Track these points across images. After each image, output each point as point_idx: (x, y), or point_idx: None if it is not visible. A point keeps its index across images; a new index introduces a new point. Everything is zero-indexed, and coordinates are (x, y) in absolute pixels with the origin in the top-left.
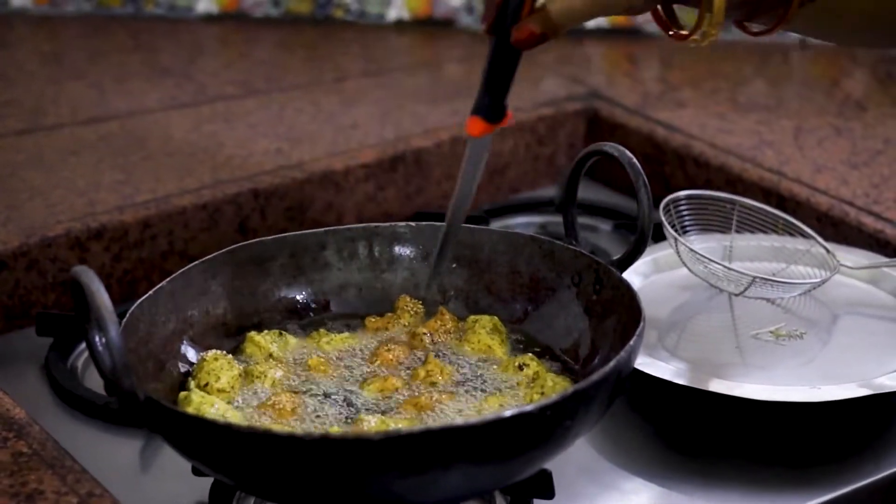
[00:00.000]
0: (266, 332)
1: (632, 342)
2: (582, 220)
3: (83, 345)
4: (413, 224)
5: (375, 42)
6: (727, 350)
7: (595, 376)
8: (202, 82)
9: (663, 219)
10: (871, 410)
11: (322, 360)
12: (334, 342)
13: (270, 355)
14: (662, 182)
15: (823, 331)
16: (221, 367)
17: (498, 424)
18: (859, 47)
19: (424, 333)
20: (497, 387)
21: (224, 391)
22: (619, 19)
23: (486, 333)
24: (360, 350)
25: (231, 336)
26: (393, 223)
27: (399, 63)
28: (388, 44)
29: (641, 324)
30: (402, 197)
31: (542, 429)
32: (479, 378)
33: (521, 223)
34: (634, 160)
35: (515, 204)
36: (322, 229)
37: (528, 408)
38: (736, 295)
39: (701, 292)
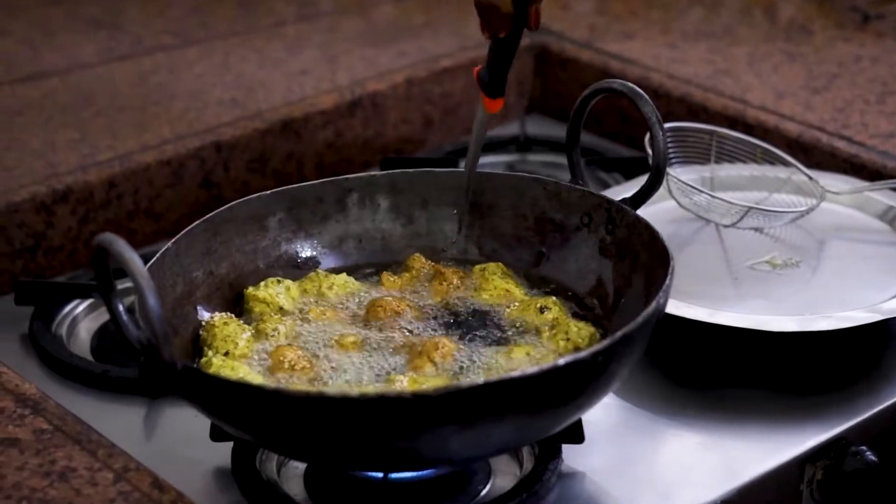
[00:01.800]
0: (264, 284)
1: (667, 281)
2: (548, 157)
3: (64, 312)
4: (411, 171)
5: None
6: (724, 282)
7: (640, 318)
8: (136, 33)
9: (650, 154)
10: (873, 336)
11: (325, 308)
12: (336, 287)
13: (280, 308)
14: (619, 116)
15: (815, 258)
16: (234, 331)
17: (553, 373)
18: None
19: (436, 302)
20: (518, 334)
21: (244, 356)
22: None
23: (498, 278)
24: (363, 295)
25: (236, 295)
26: (390, 171)
27: (333, 6)
28: None
29: (672, 262)
30: (361, 143)
31: (593, 374)
32: (495, 327)
33: (486, 164)
34: (645, 95)
35: None
36: (319, 181)
37: (582, 355)
38: (727, 226)
39: (686, 225)
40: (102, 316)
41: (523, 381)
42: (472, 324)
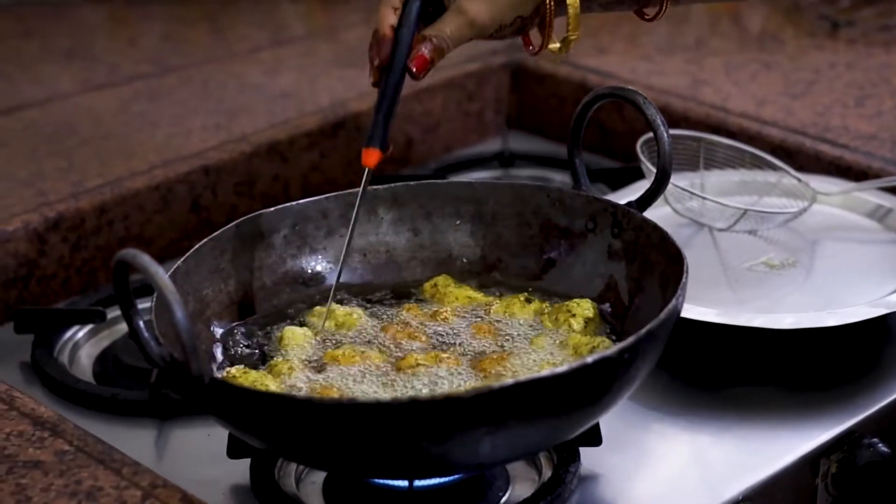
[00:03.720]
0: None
1: (683, 279)
2: (533, 172)
3: (65, 339)
4: (412, 183)
5: (273, 11)
6: (724, 284)
7: (663, 314)
8: (111, 62)
9: (643, 159)
10: (874, 331)
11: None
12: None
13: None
14: (599, 129)
15: (811, 258)
16: (257, 378)
17: (581, 371)
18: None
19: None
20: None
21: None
22: None
23: (454, 287)
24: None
25: (245, 313)
26: (392, 184)
27: (305, 30)
28: (287, 12)
29: (685, 260)
30: (345, 164)
31: (620, 371)
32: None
33: (471, 179)
34: (648, 99)
35: (462, 161)
36: (323, 196)
37: (609, 352)
38: (722, 230)
39: (681, 230)
40: (103, 341)
41: (553, 381)
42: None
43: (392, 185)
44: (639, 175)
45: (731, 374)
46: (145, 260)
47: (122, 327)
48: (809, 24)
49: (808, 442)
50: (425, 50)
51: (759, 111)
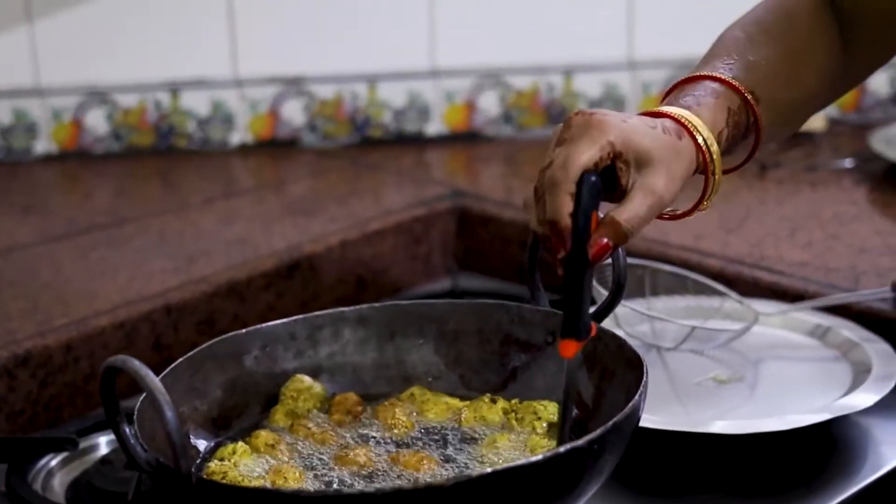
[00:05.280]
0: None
1: (644, 378)
2: None
3: (38, 467)
4: (377, 305)
5: (224, 166)
6: (674, 399)
7: (627, 409)
8: (69, 216)
9: (594, 283)
10: (819, 440)
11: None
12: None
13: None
14: (545, 266)
15: (756, 374)
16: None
17: (555, 460)
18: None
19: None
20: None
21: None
22: (458, 124)
23: (431, 395)
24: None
25: (221, 430)
26: (358, 306)
27: (254, 183)
28: (239, 167)
29: (644, 364)
30: (299, 304)
31: (590, 461)
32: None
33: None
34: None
35: (415, 297)
36: (292, 318)
37: (580, 442)
38: (670, 349)
39: None
40: (76, 469)
41: (529, 469)
42: (437, 440)
43: (358, 307)
44: None
45: (689, 482)
46: (135, 364)
47: (94, 455)
48: None
49: None
50: (607, 236)
51: (697, 244)
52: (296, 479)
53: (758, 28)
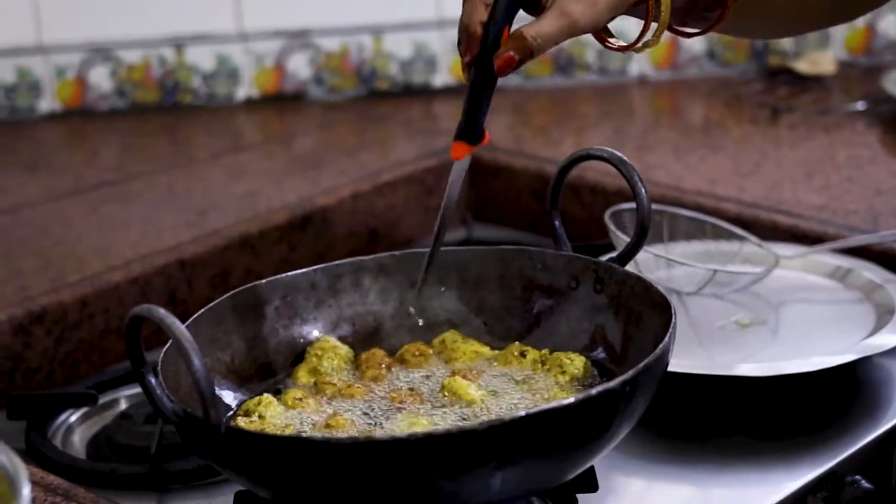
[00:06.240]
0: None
1: (673, 319)
2: None
3: (57, 424)
4: (397, 253)
5: (231, 121)
6: (697, 343)
7: (658, 350)
8: (77, 173)
9: (613, 228)
10: (841, 382)
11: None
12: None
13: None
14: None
15: (778, 317)
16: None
17: (588, 402)
18: (773, 38)
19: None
20: (511, 381)
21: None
22: None
23: (462, 343)
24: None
25: (244, 382)
26: (377, 255)
27: (262, 137)
28: (245, 121)
29: (672, 306)
30: (313, 256)
31: (622, 404)
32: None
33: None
34: (624, 157)
35: None
36: (311, 268)
37: (612, 384)
38: (691, 294)
39: None
40: (95, 425)
41: (562, 412)
42: None
43: (377, 255)
44: (604, 251)
45: (714, 425)
46: (161, 312)
47: (114, 410)
48: (751, 113)
49: (792, 482)
50: (512, 49)
51: (712, 189)
52: (351, 424)
53: None
